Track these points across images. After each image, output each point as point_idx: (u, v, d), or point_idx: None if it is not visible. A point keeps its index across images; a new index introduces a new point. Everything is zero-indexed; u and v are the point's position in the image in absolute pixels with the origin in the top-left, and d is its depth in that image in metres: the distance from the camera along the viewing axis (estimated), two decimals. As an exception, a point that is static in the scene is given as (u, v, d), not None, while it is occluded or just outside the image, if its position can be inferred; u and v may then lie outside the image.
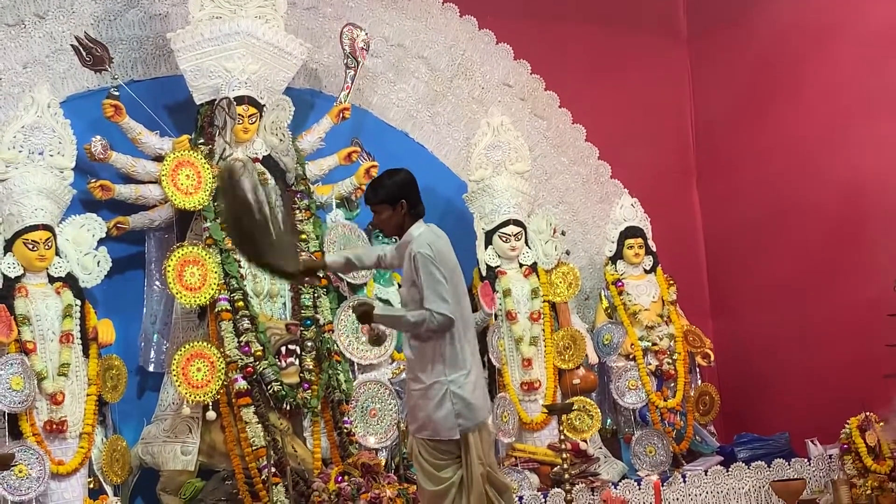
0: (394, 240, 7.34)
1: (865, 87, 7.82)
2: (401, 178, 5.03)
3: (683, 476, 7.29)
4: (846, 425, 7.17)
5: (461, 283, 4.98)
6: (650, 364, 7.82)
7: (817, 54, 8.22)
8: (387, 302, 7.19)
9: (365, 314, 4.90)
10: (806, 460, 7.49)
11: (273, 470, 6.08)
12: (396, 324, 5.04)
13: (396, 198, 4.99)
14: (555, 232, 7.87)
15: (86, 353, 6.19)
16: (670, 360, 7.84)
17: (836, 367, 7.89)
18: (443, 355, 4.84)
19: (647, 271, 8.11)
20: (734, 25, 8.98)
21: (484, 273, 7.58)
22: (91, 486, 6.14)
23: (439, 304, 4.77)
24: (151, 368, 6.78)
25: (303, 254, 5.25)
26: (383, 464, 6.37)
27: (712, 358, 8.07)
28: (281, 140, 6.91)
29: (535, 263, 7.74)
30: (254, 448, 6.22)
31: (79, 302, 6.23)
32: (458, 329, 4.84)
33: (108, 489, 6.18)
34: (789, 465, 7.43)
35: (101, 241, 6.43)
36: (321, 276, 5.36)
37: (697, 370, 8.16)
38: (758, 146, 8.71)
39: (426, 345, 4.87)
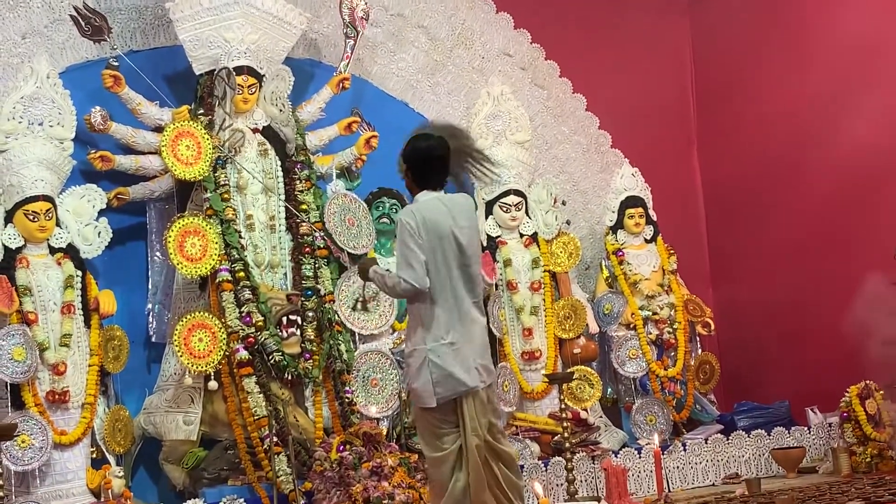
0: (393, 208, 7.42)
1: (867, 54, 7.80)
2: (410, 146, 5.03)
3: (684, 444, 7.32)
4: (846, 393, 7.21)
5: (460, 252, 4.89)
6: (651, 333, 7.84)
7: (818, 21, 8.20)
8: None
9: (363, 270, 5.11)
10: (806, 428, 7.53)
11: (275, 439, 6.11)
12: (379, 283, 5.05)
13: (403, 162, 5.03)
14: (555, 202, 7.88)
15: (87, 324, 6.21)
16: (671, 330, 7.86)
17: (837, 336, 7.89)
18: (422, 323, 4.86)
19: (647, 241, 8.12)
20: (734, -5, 8.96)
21: (485, 243, 7.58)
22: (94, 455, 6.17)
23: (404, 269, 4.81)
24: (154, 338, 6.79)
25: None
26: (385, 433, 6.39)
27: (713, 327, 8.11)
28: (281, 110, 6.89)
29: (535, 233, 7.75)
30: (256, 418, 6.24)
31: (80, 273, 6.24)
32: (438, 297, 4.83)
33: (111, 459, 6.20)
34: (789, 433, 7.47)
35: (101, 212, 6.43)
36: None
37: (698, 339, 8.19)
38: (758, 114, 8.70)
39: (412, 310, 4.93)
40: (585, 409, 7.38)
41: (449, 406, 4.83)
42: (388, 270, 5.01)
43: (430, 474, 5.07)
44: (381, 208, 7.44)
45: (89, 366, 6.14)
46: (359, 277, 5.31)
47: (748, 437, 7.44)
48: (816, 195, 8.15)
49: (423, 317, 4.87)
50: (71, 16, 6.54)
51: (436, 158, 5.00)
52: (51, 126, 6.23)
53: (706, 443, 7.36)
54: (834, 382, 7.44)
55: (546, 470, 6.74)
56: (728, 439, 7.40)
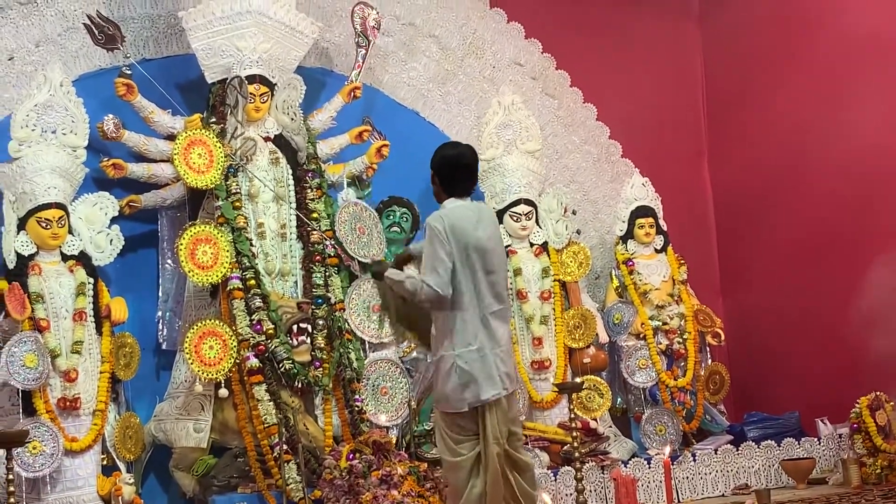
0: (403, 217, 7.42)
1: (876, 63, 7.79)
2: (440, 154, 5.07)
3: (693, 455, 7.31)
4: (856, 405, 7.19)
5: (485, 260, 4.89)
6: (660, 343, 7.83)
7: (828, 31, 8.19)
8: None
9: (378, 273, 5.13)
10: (816, 439, 7.52)
11: (285, 447, 6.12)
12: (398, 287, 5.06)
13: (433, 170, 5.05)
14: (565, 211, 7.88)
15: (99, 331, 6.24)
16: (681, 340, 7.85)
17: (847, 347, 7.89)
18: (451, 329, 4.87)
19: (657, 250, 8.12)
20: (746, 3, 8.96)
21: (495, 252, 7.57)
22: (104, 462, 6.19)
23: (429, 275, 4.82)
24: (165, 346, 6.81)
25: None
26: (394, 441, 6.40)
27: (722, 337, 8.09)
28: (292, 119, 6.91)
29: (545, 243, 7.75)
30: (266, 425, 6.25)
31: (92, 280, 6.26)
32: (465, 304, 4.85)
33: (121, 466, 6.22)
34: (799, 444, 7.45)
35: (113, 220, 6.47)
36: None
37: (708, 349, 8.18)
38: (769, 124, 8.69)
39: (438, 318, 4.93)
40: (595, 419, 7.37)
41: (471, 412, 4.85)
42: (408, 276, 5.02)
43: (446, 479, 5.09)
44: (391, 217, 7.45)
45: (100, 373, 6.16)
46: (375, 283, 5.32)
47: (758, 447, 7.42)
48: (827, 205, 8.14)
49: (450, 323, 4.88)
50: (84, 24, 6.57)
51: (463, 166, 5.03)
52: (64, 134, 6.26)
53: (716, 453, 7.35)
54: (844, 393, 7.43)
55: (555, 480, 6.74)
56: (738, 450, 7.39)
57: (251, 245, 6.60)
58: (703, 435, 7.81)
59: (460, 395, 4.81)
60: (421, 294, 4.85)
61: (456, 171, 5.01)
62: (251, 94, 6.72)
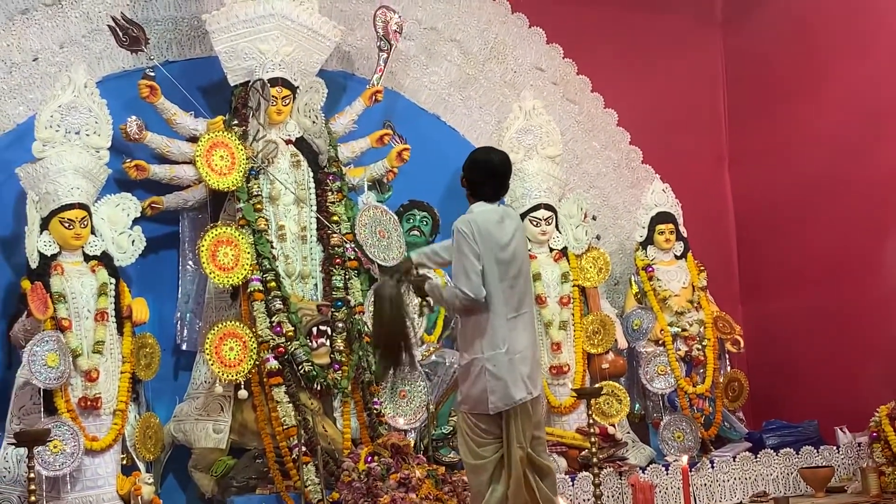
0: (424, 221, 7.43)
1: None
2: (470, 158, 5.13)
3: (711, 462, 7.29)
4: (876, 413, 7.16)
5: (509, 264, 4.93)
6: (679, 350, 7.82)
7: (853, 37, 8.15)
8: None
9: (419, 288, 5.17)
10: (835, 448, 7.48)
11: (303, 449, 6.13)
12: (436, 297, 5.10)
13: (463, 172, 5.11)
14: (585, 217, 7.87)
15: (120, 331, 6.25)
16: (700, 346, 7.84)
17: (867, 355, 7.86)
18: (481, 333, 4.90)
19: (677, 257, 8.11)
20: (768, 8, 8.93)
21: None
22: (124, 462, 6.20)
23: (462, 280, 4.86)
24: (185, 347, 6.84)
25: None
26: (412, 445, 6.41)
27: (742, 344, 8.07)
28: (314, 122, 6.94)
29: (565, 248, 7.75)
30: (285, 427, 6.27)
31: (113, 280, 6.28)
32: (495, 307, 4.87)
33: (141, 466, 6.24)
34: (818, 452, 7.43)
35: (135, 221, 6.49)
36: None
37: (727, 356, 8.16)
38: (790, 131, 8.66)
39: (467, 322, 4.97)
40: (613, 425, 7.36)
41: (495, 416, 4.86)
42: (446, 285, 5.07)
43: (468, 482, 5.10)
44: (411, 220, 7.46)
45: (121, 373, 6.18)
46: (414, 294, 5.31)
47: (776, 455, 7.40)
48: (849, 212, 8.11)
49: (480, 327, 4.91)
50: (109, 26, 6.60)
51: (492, 171, 5.06)
52: (87, 135, 6.29)
53: (734, 460, 7.33)
54: (863, 402, 7.40)
55: (573, 485, 6.74)
56: (756, 457, 7.37)
57: (272, 247, 6.62)
58: (721, 442, 7.78)
59: (489, 398, 4.84)
60: (457, 301, 4.90)
61: (484, 175, 5.05)
62: (273, 96, 6.74)
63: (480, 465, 4.85)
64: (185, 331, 6.87)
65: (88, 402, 5.99)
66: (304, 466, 6.11)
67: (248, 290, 6.48)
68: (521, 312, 4.95)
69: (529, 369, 4.92)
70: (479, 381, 4.87)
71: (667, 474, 7.09)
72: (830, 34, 8.32)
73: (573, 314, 7.61)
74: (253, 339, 6.31)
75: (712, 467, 7.26)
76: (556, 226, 7.73)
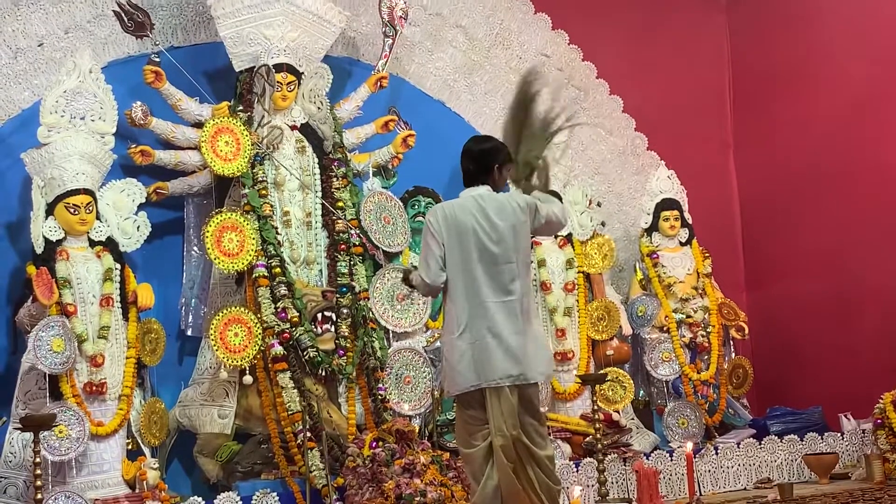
0: (428, 207, 7.42)
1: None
2: (463, 147, 5.12)
3: (716, 448, 7.30)
4: (880, 400, 7.17)
5: (482, 250, 4.86)
6: (684, 336, 7.82)
7: (858, 21, 8.14)
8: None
9: (405, 277, 5.24)
10: (839, 434, 7.50)
11: (308, 435, 6.14)
12: (413, 282, 5.19)
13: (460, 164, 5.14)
14: (590, 203, 7.87)
15: (125, 317, 6.25)
16: (704, 333, 7.84)
17: (871, 342, 7.87)
18: (446, 318, 4.99)
19: (682, 243, 8.11)
20: (773, -6, 8.93)
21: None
22: (129, 447, 6.21)
23: (421, 266, 4.97)
24: (190, 332, 6.85)
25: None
26: (417, 430, 6.42)
27: (746, 331, 8.07)
28: (319, 108, 6.93)
29: (570, 234, 7.74)
30: (289, 413, 6.28)
31: (119, 266, 6.28)
32: (454, 293, 4.88)
33: (146, 451, 6.25)
34: (822, 438, 7.44)
35: (140, 206, 6.48)
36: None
37: (731, 343, 8.17)
38: (795, 117, 8.66)
39: (443, 307, 5.07)
40: (617, 411, 7.38)
41: (478, 402, 4.84)
42: (415, 268, 5.12)
43: (465, 471, 5.11)
44: (416, 207, 7.46)
45: (126, 358, 6.19)
46: (402, 282, 5.38)
47: (781, 441, 7.41)
48: (854, 198, 8.11)
49: (445, 312, 5.00)
50: (114, 11, 6.60)
51: (471, 158, 5.05)
52: (92, 120, 6.29)
53: (738, 447, 7.34)
54: (868, 389, 7.41)
55: (577, 471, 6.75)
56: (760, 444, 7.38)
57: (277, 233, 6.62)
58: (725, 428, 7.80)
59: (445, 382, 4.98)
60: (418, 286, 5.04)
61: (466, 162, 5.08)
62: (278, 82, 6.74)
63: (471, 453, 4.81)
64: (190, 316, 6.88)
65: (94, 388, 6.00)
66: (309, 452, 6.12)
67: (253, 276, 6.48)
68: (506, 299, 4.86)
69: (511, 355, 4.80)
70: (442, 364, 5.00)
71: (671, 460, 7.11)
72: (835, 19, 8.31)
73: (578, 300, 7.62)
74: (258, 325, 6.32)
75: (716, 454, 7.27)
76: (562, 212, 7.71)
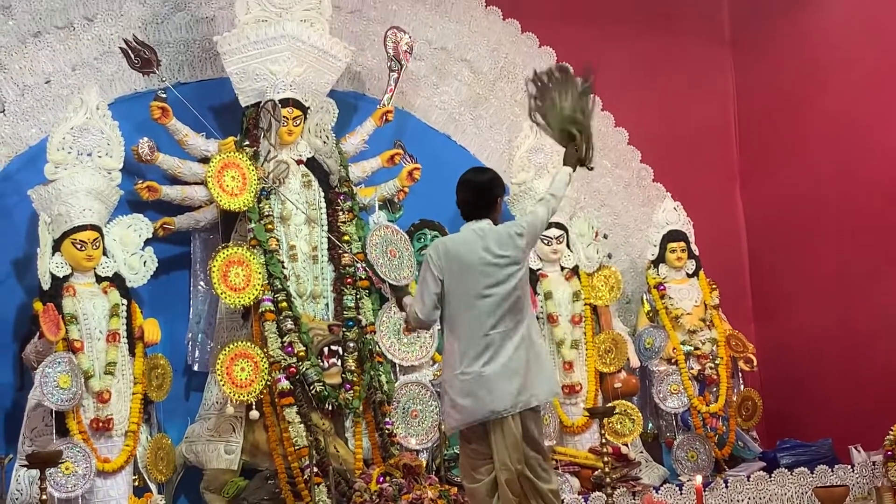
0: (432, 239, 7.44)
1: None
2: (459, 179, 5.13)
3: (726, 481, 7.25)
4: (890, 432, 7.11)
5: (481, 282, 4.84)
6: (692, 368, 7.78)
7: (862, 54, 8.14)
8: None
9: (400, 304, 5.29)
10: (849, 467, 7.43)
11: (315, 470, 6.12)
12: (402, 308, 5.21)
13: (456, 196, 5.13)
14: (597, 235, 7.86)
15: (132, 352, 6.26)
16: (713, 365, 7.80)
17: (881, 373, 7.82)
18: (446, 353, 4.97)
19: (689, 275, 8.09)
20: (777, 27, 8.93)
21: (525, 276, 7.57)
22: (136, 483, 6.21)
23: (416, 302, 4.96)
24: (196, 367, 6.85)
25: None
26: (424, 465, 6.39)
27: (755, 363, 8.03)
28: (325, 142, 6.96)
29: (576, 266, 7.73)
30: (296, 448, 6.25)
31: (125, 301, 6.30)
32: (456, 328, 4.87)
33: (153, 487, 6.24)
34: (832, 471, 7.38)
35: (147, 242, 6.51)
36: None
37: (740, 375, 8.12)
38: (801, 148, 8.65)
39: (444, 341, 5.04)
40: (626, 444, 7.33)
41: (481, 437, 4.82)
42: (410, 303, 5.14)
43: None
44: (422, 240, 7.46)
45: (133, 394, 6.19)
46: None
47: (791, 474, 7.35)
48: (861, 229, 8.08)
49: (445, 347, 4.99)
50: (121, 48, 6.64)
51: (475, 191, 5.05)
52: (99, 156, 6.32)
53: (748, 480, 7.28)
54: (878, 420, 7.35)
55: (586, 505, 6.71)
56: (770, 477, 7.32)
57: (283, 267, 6.62)
58: (735, 461, 7.74)
59: (447, 418, 4.94)
60: (410, 316, 5.03)
61: (466, 195, 5.07)
62: (284, 117, 6.76)
63: (475, 488, 4.78)
64: (197, 351, 6.89)
65: (100, 424, 5.99)
66: (316, 487, 6.09)
67: (260, 311, 6.48)
68: (504, 329, 4.84)
69: (500, 388, 4.76)
70: (443, 400, 4.96)
71: (681, 494, 7.05)
72: (840, 53, 8.31)
73: (585, 333, 7.59)
74: (264, 360, 6.31)
75: (726, 487, 7.22)
76: (568, 244, 7.72)
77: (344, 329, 6.69)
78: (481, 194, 5.04)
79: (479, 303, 4.85)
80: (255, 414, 6.30)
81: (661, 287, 8.00)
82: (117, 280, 6.32)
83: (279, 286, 6.53)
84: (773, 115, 8.96)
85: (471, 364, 4.81)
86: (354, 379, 6.59)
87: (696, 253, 8.13)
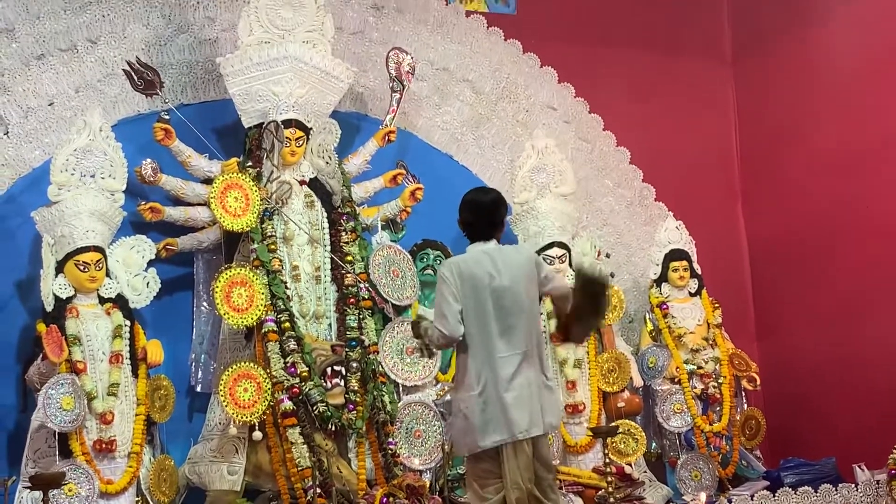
0: (437, 260, 7.44)
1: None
2: (463, 199, 5.14)
3: (730, 501, 7.23)
4: (894, 450, 7.09)
5: (496, 305, 4.90)
6: (695, 388, 7.78)
7: (863, 74, 8.17)
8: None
9: (414, 325, 5.21)
10: (853, 486, 7.41)
11: (318, 491, 6.10)
12: (416, 329, 5.16)
13: (459, 216, 5.13)
14: (599, 254, 7.87)
15: (135, 374, 6.26)
16: (716, 384, 7.80)
17: (885, 391, 7.81)
18: (461, 374, 4.95)
19: (692, 294, 8.09)
20: (778, 47, 8.97)
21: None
22: (139, 504, 6.20)
23: (438, 319, 4.91)
24: (199, 388, 6.84)
25: None
26: (428, 485, 6.38)
27: (758, 381, 8.02)
28: (327, 163, 6.97)
29: (579, 286, 7.72)
30: (299, 468, 6.25)
31: (128, 322, 6.30)
32: (471, 349, 4.88)
33: (156, 508, 6.23)
34: (836, 490, 7.35)
35: (150, 263, 6.52)
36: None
37: (743, 394, 8.11)
38: (803, 168, 8.67)
39: (457, 362, 5.02)
40: (629, 464, 7.32)
41: (491, 456, 4.83)
42: (430, 322, 5.08)
43: None
44: (425, 260, 7.47)
45: (136, 415, 6.18)
46: (413, 335, 5.36)
47: (795, 493, 7.33)
48: (863, 248, 8.09)
49: (459, 368, 4.97)
50: (124, 70, 6.67)
51: (479, 211, 5.05)
52: (102, 178, 6.34)
53: (752, 499, 7.26)
54: (882, 439, 7.34)
55: (590, 525, 6.69)
56: (774, 496, 7.30)
57: (286, 288, 6.63)
58: (739, 481, 7.72)
59: (462, 439, 4.90)
60: (434, 339, 4.95)
61: (472, 215, 5.08)
62: (287, 138, 6.78)
63: None
64: (200, 372, 6.89)
65: (103, 445, 5.99)
66: (320, 508, 6.09)
67: (263, 331, 6.48)
68: (518, 351, 4.89)
69: (525, 410, 4.83)
70: (456, 421, 4.92)
71: (684, 513, 7.04)
72: (842, 72, 8.34)
73: (588, 352, 7.58)
74: (267, 380, 6.31)
75: (730, 506, 7.21)
76: (570, 264, 7.72)
77: (347, 349, 6.68)
78: (487, 215, 5.05)
79: (491, 324, 4.89)
80: (258, 435, 6.29)
81: (664, 306, 8.00)
82: (120, 301, 6.32)
83: (282, 306, 6.54)
84: (775, 134, 8.99)
85: (488, 385, 4.83)
86: (357, 399, 6.58)
87: (699, 272, 8.14)
